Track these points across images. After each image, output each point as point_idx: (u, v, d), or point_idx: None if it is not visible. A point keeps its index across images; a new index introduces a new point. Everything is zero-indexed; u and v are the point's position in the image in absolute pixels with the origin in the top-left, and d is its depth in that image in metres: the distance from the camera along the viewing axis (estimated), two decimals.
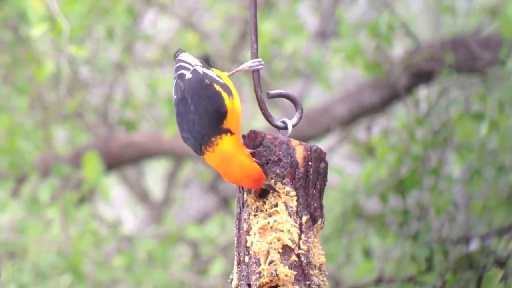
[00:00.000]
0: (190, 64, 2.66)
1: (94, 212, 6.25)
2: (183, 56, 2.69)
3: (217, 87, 2.61)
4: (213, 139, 2.58)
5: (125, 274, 5.58)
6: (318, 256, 2.64)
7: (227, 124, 2.59)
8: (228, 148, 2.58)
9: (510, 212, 4.79)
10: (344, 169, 5.44)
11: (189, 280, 5.86)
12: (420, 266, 5.02)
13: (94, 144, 6.19)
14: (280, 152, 2.65)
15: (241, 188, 2.66)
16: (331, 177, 5.70)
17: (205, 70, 2.64)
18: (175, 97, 2.64)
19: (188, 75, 2.64)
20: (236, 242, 2.69)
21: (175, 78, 2.66)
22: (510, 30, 3.95)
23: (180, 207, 7.28)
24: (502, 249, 4.18)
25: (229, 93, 2.62)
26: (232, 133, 2.59)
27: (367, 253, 5.30)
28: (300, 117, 2.72)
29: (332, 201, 5.28)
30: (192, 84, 2.62)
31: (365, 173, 5.14)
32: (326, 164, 2.68)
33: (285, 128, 2.72)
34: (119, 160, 6.31)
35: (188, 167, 7.14)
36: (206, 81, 2.62)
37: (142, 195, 7.25)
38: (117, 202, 7.57)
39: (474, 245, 4.93)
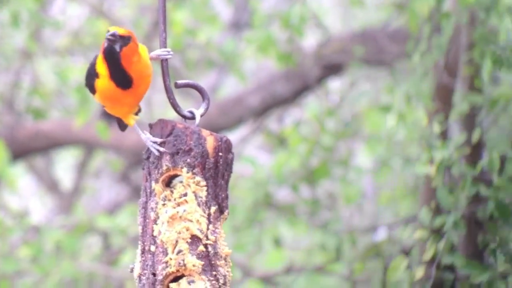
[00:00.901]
0: None
1: (0, 202, 6.23)
2: None
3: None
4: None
5: (31, 265, 5.58)
6: (223, 247, 2.69)
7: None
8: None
9: (415, 202, 4.99)
10: (257, 159, 5.57)
11: (98, 271, 5.88)
12: (330, 255, 5.19)
13: None
14: (192, 142, 2.67)
15: (147, 177, 2.70)
16: (244, 167, 5.84)
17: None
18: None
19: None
20: (141, 231, 2.69)
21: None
22: (416, 24, 4.15)
23: (91, 197, 7.29)
24: (407, 238, 4.36)
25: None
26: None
27: (278, 243, 5.45)
28: (207, 108, 2.76)
29: (244, 191, 5.40)
30: None
31: (277, 163, 5.29)
32: (233, 155, 2.74)
33: (193, 118, 2.74)
34: (27, 149, 6.30)
35: (99, 157, 7.16)
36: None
37: (51, 185, 7.25)
38: (24, 192, 7.53)
39: (381, 235, 5.13)
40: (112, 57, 2.68)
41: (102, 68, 2.70)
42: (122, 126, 2.85)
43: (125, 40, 2.68)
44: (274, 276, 5.66)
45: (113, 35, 2.66)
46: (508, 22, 3.34)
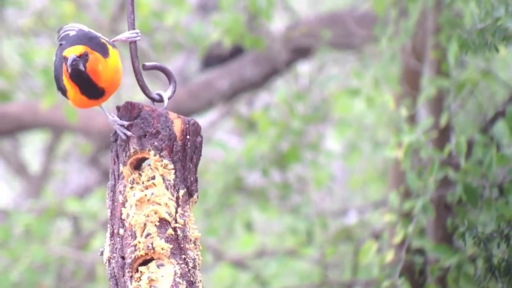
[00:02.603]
0: (76, 26, 2.87)
1: None
2: (68, 26, 2.89)
3: (103, 41, 2.80)
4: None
5: (0, 249, 5.65)
6: (193, 230, 2.73)
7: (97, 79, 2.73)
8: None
9: (385, 185, 5.11)
10: (227, 143, 5.69)
11: (69, 255, 5.95)
12: (301, 239, 5.33)
13: None
14: (159, 125, 2.72)
15: (115, 160, 2.73)
16: (215, 151, 5.96)
17: (91, 30, 2.85)
18: (55, 59, 2.80)
19: (73, 33, 2.82)
20: (109, 214, 2.74)
21: (59, 43, 2.84)
22: (382, 8, 4.25)
23: (60, 181, 7.37)
24: (377, 222, 4.47)
25: (105, 52, 2.77)
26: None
27: (249, 227, 5.58)
28: (174, 90, 2.81)
29: (214, 175, 5.52)
30: (75, 36, 2.79)
31: (247, 148, 5.41)
32: (202, 138, 2.76)
33: (161, 100, 2.78)
34: None
35: (68, 140, 7.22)
36: (92, 32, 2.83)
37: (19, 168, 7.32)
38: None
39: (352, 218, 5.28)
40: (81, 77, 2.70)
41: (69, 85, 2.73)
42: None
43: (84, 56, 2.70)
44: (246, 259, 5.79)
45: (74, 60, 2.68)
46: (473, 6, 3.45)
